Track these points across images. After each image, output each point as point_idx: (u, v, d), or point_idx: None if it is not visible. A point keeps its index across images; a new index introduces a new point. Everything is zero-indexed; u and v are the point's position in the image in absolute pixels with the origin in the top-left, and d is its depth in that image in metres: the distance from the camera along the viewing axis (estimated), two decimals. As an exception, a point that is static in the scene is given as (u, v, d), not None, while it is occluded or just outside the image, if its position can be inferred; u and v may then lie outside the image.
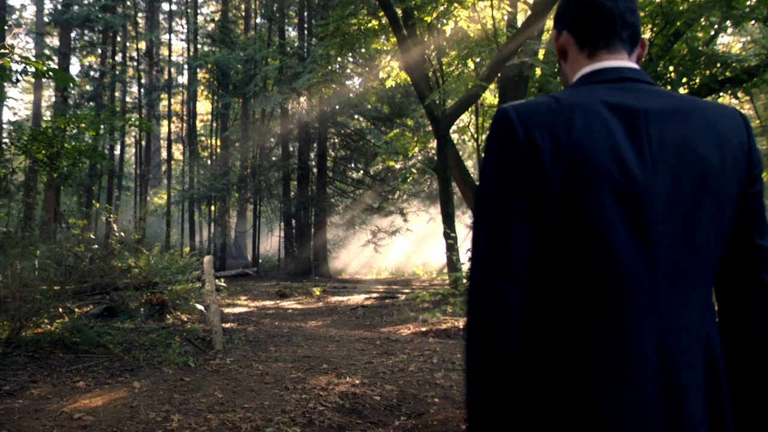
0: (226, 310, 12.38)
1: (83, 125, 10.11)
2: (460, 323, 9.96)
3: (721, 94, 8.28)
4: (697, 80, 7.88)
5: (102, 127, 12.07)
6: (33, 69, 7.45)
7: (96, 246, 10.76)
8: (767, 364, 1.28)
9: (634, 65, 1.33)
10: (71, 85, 14.95)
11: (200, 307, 10.92)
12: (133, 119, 11.84)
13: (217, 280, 12.63)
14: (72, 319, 9.20)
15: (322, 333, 9.71)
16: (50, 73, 7.41)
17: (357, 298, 15.25)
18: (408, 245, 28.33)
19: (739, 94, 8.76)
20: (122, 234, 10.60)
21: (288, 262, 25.14)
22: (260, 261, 27.76)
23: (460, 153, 18.22)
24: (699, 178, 1.21)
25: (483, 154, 1.31)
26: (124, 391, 5.79)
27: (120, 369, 6.75)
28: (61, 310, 9.67)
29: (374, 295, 16.00)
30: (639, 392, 1.17)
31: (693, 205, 1.21)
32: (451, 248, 10.61)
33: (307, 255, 24.53)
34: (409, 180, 20.20)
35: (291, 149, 27.04)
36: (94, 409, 5.20)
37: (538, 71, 9.55)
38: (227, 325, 10.21)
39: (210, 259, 9.68)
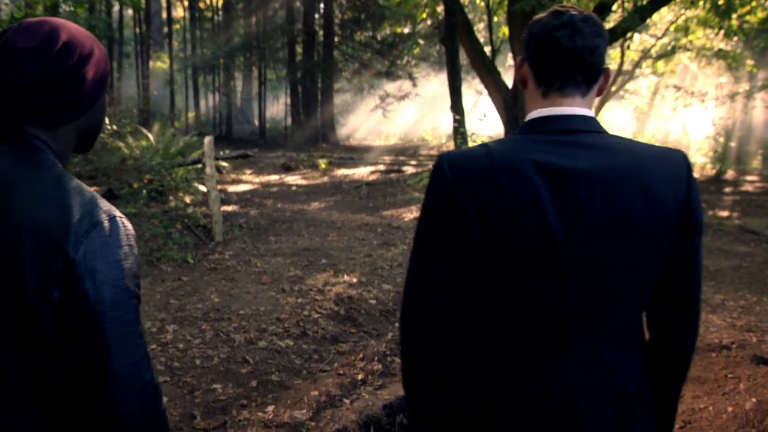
0: (230, 189, 12.33)
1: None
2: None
3: None
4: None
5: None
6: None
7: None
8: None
9: (583, 111, 1.33)
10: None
11: (202, 188, 10.84)
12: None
13: (218, 161, 12.50)
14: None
15: (324, 217, 9.68)
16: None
17: (362, 172, 15.14)
18: (417, 110, 27.80)
19: None
20: (123, 121, 10.26)
21: (294, 130, 24.84)
22: (267, 126, 27.44)
23: (471, 18, 17.29)
24: (624, 238, 1.23)
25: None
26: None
27: (119, 266, 6.76)
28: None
29: (380, 167, 15.88)
30: None
31: (616, 265, 1.24)
32: (457, 131, 10.29)
33: (314, 123, 24.16)
34: (416, 51, 19.38)
35: (296, 12, 25.83)
36: (90, 318, 5.24)
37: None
38: (229, 209, 10.17)
39: (210, 141, 9.43)
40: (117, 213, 1.18)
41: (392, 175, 14.35)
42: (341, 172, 15.41)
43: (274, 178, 14.42)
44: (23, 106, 1.18)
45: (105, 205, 1.17)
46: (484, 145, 1.30)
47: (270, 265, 6.88)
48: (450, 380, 1.37)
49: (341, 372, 4.28)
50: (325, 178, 14.30)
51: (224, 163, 13.88)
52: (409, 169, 15.33)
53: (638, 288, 1.29)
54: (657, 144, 1.44)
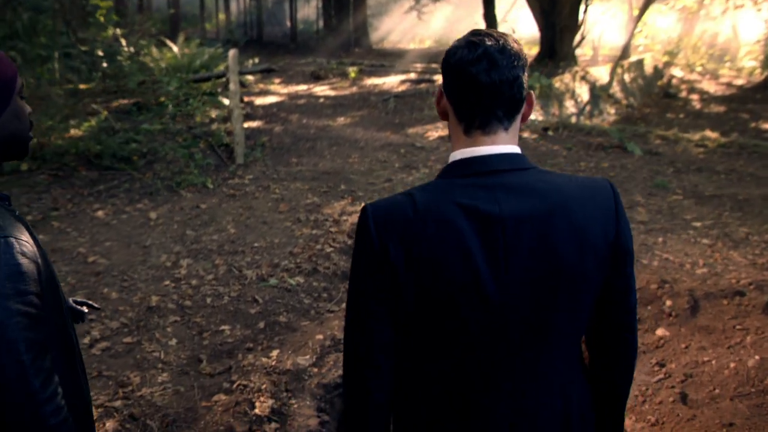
0: (257, 101, 12.20)
1: None
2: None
3: None
4: None
5: None
6: None
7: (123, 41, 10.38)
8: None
9: (507, 149, 1.28)
10: None
11: (227, 101, 10.75)
12: None
13: (243, 76, 12.32)
14: (99, 121, 9.23)
15: (348, 135, 9.55)
16: None
17: (392, 81, 14.78)
18: (452, 12, 26.75)
19: None
20: (141, 42, 10.05)
21: (326, 35, 24.22)
22: (299, 28, 26.80)
23: None
24: (555, 278, 1.23)
25: None
26: (140, 225, 5.91)
27: (140, 192, 6.84)
28: (89, 108, 9.69)
29: (411, 75, 15.48)
30: None
31: (548, 304, 1.24)
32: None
33: (347, 27, 23.46)
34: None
35: None
36: (109, 250, 5.35)
37: None
38: (254, 125, 10.10)
39: (234, 55, 9.22)
40: (4, 232, 1.20)
41: (422, 85, 13.98)
42: (371, 81, 15.06)
43: (302, 88, 14.19)
44: None
45: None
46: (408, 194, 1.27)
47: (288, 191, 6.87)
48: (399, 400, 1.39)
49: (347, 314, 4.33)
50: (354, 89, 14.01)
51: (249, 77, 13.69)
52: (440, 79, 14.92)
53: (572, 320, 1.30)
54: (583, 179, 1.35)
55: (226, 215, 6.17)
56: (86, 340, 3.99)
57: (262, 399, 3.38)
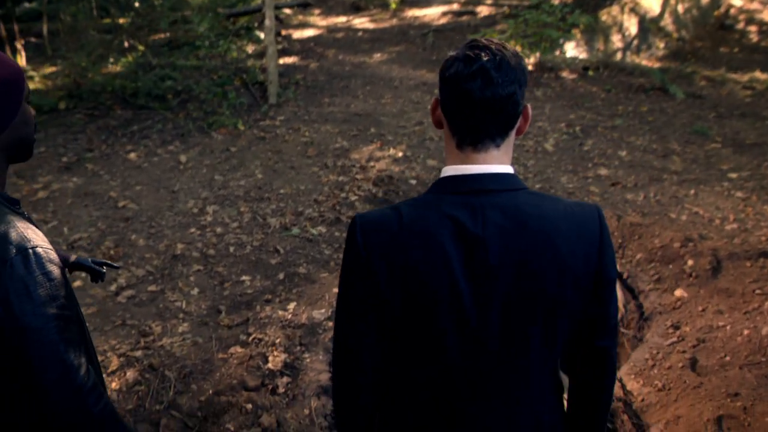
0: (295, 35, 12.06)
1: None
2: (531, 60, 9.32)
3: None
4: None
5: None
6: None
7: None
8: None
9: (497, 168, 1.27)
10: None
11: (262, 35, 10.65)
12: None
13: (280, 10, 12.13)
14: (136, 56, 9.28)
15: (383, 73, 9.40)
16: None
17: (434, 13, 14.36)
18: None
19: None
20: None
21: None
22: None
23: None
24: (533, 302, 1.24)
25: None
26: (170, 169, 6.00)
27: (172, 133, 6.92)
28: (127, 44, 9.74)
29: (454, 7, 15.01)
30: None
31: (524, 325, 1.25)
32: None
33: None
34: None
35: None
36: (139, 195, 5.47)
37: None
38: (289, 60, 10.02)
39: (270, -12, 9.10)
40: (30, 244, 1.26)
41: (464, 18, 13.57)
42: (411, 13, 14.67)
43: (341, 20, 13.92)
44: None
45: (17, 237, 1.26)
46: (395, 208, 1.28)
47: (318, 134, 6.85)
48: (386, 404, 1.42)
49: (366, 267, 4.36)
50: (394, 21, 13.68)
51: (287, 11, 13.47)
52: (483, 11, 14.44)
53: (547, 342, 1.30)
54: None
55: (255, 159, 6.21)
56: (113, 288, 4.15)
57: (275, 353, 3.48)
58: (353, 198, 5.35)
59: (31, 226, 1.34)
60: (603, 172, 5.83)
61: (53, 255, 1.31)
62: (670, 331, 3.73)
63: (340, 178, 5.72)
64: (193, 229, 4.89)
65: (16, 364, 1.24)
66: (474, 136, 1.25)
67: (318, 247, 4.66)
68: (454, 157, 1.29)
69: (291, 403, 3.14)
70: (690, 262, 4.18)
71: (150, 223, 5.01)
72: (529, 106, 1.31)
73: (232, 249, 4.61)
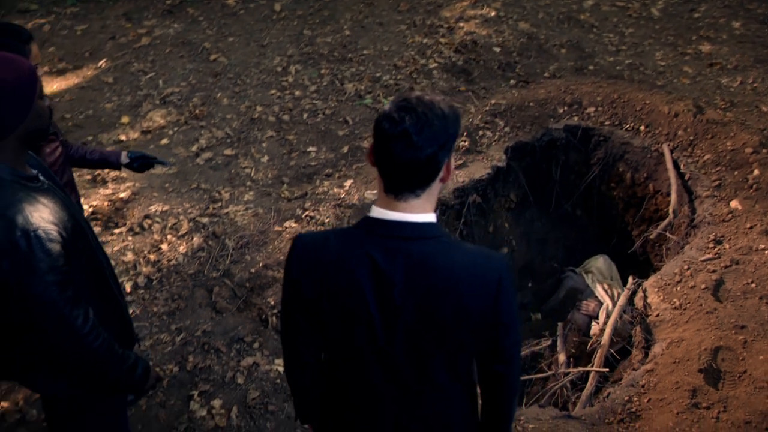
0: None
1: None
2: None
3: None
4: None
5: None
6: None
7: None
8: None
9: (415, 217, 1.39)
10: None
11: None
12: None
13: None
14: None
15: None
16: None
17: None
18: None
19: None
20: None
21: None
22: None
23: None
24: (433, 338, 1.42)
25: None
26: (263, 18, 6.13)
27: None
28: None
29: None
30: None
31: (425, 355, 1.45)
32: None
33: None
34: None
35: None
36: (230, 47, 5.72)
37: None
38: None
39: None
40: (32, 227, 1.57)
41: None
42: None
43: None
44: None
45: (23, 221, 1.56)
46: (327, 238, 1.46)
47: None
48: (323, 391, 1.70)
49: (426, 147, 4.48)
50: None
51: None
52: None
53: (451, 365, 1.49)
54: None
55: (346, 12, 6.19)
56: (194, 149, 4.57)
57: (323, 232, 3.82)
58: (432, 66, 5.33)
59: (38, 207, 1.62)
60: (705, 47, 5.37)
61: (53, 234, 1.60)
62: (711, 245, 3.69)
63: (425, 41, 5.65)
64: (273, 90, 5.14)
65: (27, 319, 1.60)
66: (396, 188, 1.37)
67: (386, 120, 4.79)
68: (381, 199, 1.42)
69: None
70: (756, 172, 3.98)
71: (236, 80, 5.29)
72: (452, 159, 1.41)
73: (305, 116, 4.85)
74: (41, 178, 1.76)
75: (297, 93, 5.10)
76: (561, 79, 5.11)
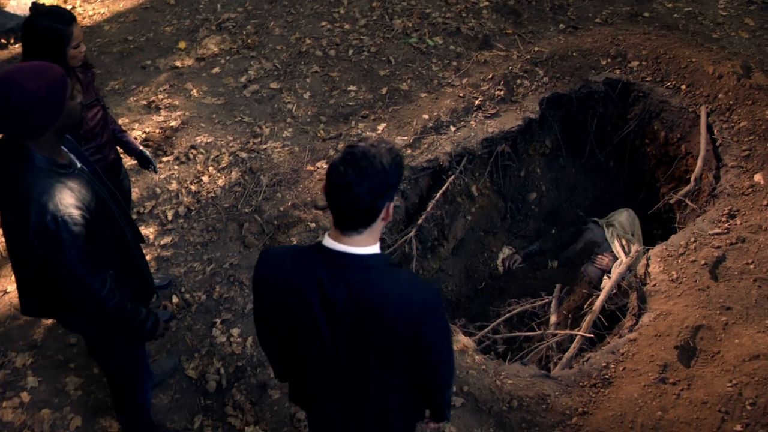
0: None
1: None
2: None
3: None
4: None
5: None
6: None
7: None
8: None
9: (357, 249, 1.63)
10: None
11: None
12: None
13: None
14: None
15: None
16: None
17: None
18: None
19: None
20: None
21: None
22: None
23: None
24: (369, 352, 1.71)
25: None
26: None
27: None
28: None
29: None
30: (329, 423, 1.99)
31: (365, 356, 1.73)
32: None
33: None
34: None
35: None
36: None
37: None
38: None
39: None
40: (60, 212, 1.93)
41: None
42: None
43: None
44: (10, 131, 1.94)
45: (53, 206, 1.92)
46: (284, 256, 1.72)
47: None
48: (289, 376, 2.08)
49: (461, 94, 4.61)
50: None
51: None
52: None
53: (387, 369, 1.78)
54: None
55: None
56: (243, 79, 4.84)
57: (350, 176, 4.09)
58: (483, 4, 5.32)
59: (66, 193, 1.96)
60: (774, 1, 5.14)
61: (77, 218, 1.94)
62: (723, 219, 3.77)
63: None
64: (324, 22, 5.28)
65: (57, 282, 2.01)
66: (341, 226, 1.62)
67: (428, 61, 4.91)
68: (332, 230, 1.66)
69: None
70: (788, 147, 3.96)
71: (290, 9, 5.45)
72: (391, 204, 1.64)
73: (350, 52, 5.00)
74: (74, 160, 2.11)
75: (347, 26, 5.23)
76: (611, 26, 5.03)
